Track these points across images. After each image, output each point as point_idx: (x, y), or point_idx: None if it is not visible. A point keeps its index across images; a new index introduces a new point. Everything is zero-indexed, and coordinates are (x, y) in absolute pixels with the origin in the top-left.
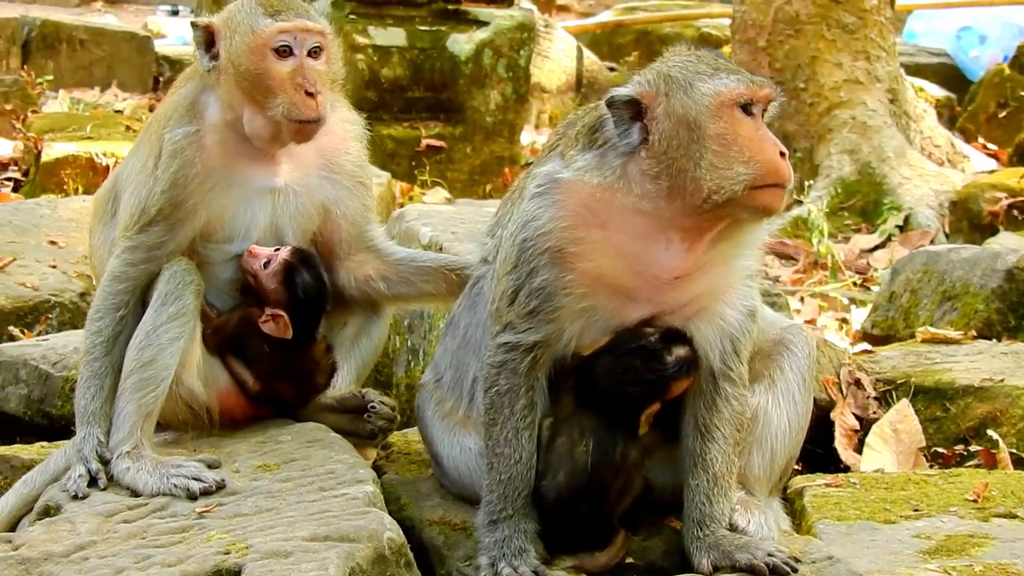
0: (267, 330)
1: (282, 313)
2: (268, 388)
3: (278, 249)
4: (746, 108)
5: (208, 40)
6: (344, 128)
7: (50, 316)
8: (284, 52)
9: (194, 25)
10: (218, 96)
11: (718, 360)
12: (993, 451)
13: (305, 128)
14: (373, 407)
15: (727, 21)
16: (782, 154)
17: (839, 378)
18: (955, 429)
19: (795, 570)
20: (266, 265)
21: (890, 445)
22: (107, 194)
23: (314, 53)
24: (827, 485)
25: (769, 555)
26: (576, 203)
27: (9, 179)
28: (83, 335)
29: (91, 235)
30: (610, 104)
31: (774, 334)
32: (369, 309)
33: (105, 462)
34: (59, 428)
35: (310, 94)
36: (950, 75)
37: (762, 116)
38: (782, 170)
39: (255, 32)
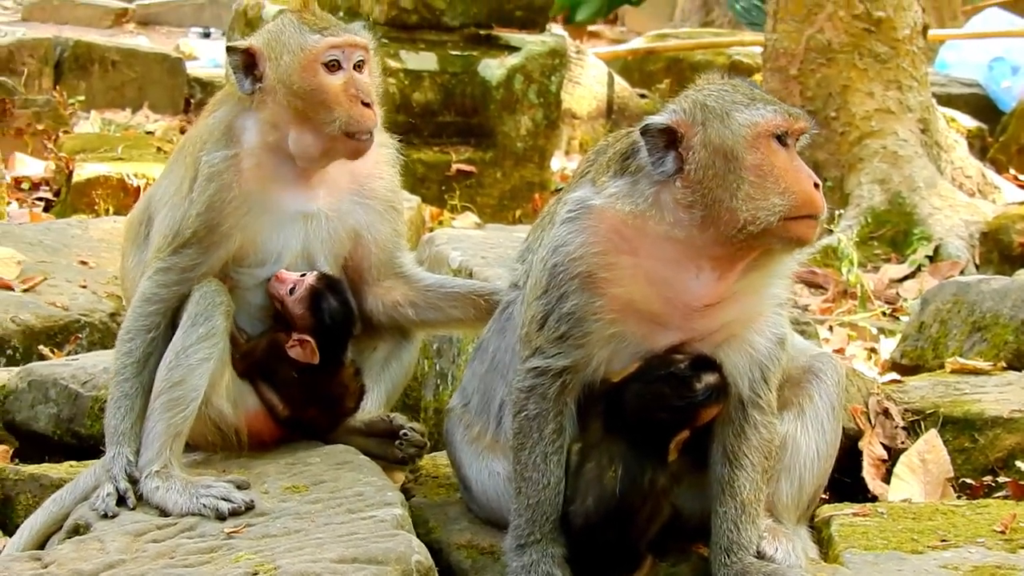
0: (294, 355)
1: (309, 339)
2: (297, 412)
3: (304, 275)
4: (781, 139)
5: (248, 63)
6: (378, 152)
7: (80, 336)
8: (334, 67)
9: (232, 49)
10: (259, 119)
11: (747, 388)
12: (1021, 482)
13: (360, 143)
14: (404, 434)
15: (759, 49)
16: (816, 185)
17: (867, 407)
18: (983, 460)
19: None
20: (292, 291)
21: (918, 475)
22: (140, 216)
23: (359, 67)
24: (855, 514)
25: None
26: (607, 229)
27: (40, 199)
28: (113, 355)
29: (123, 257)
30: (644, 132)
31: (803, 362)
32: (399, 334)
33: (134, 481)
34: (88, 447)
35: (366, 104)
36: (982, 105)
37: (795, 147)
38: (816, 201)
39: (305, 49)
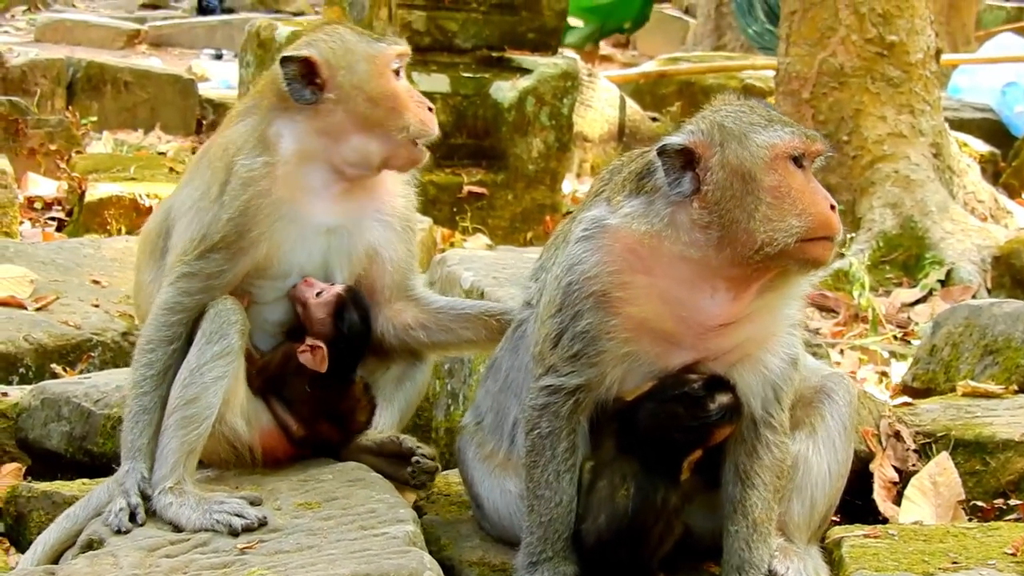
0: (303, 360)
1: (321, 345)
2: (310, 430)
3: (333, 284)
4: (797, 161)
5: (305, 72)
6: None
7: (92, 355)
8: (397, 74)
9: (289, 59)
10: (304, 127)
11: (760, 407)
12: None
13: (419, 153)
14: (417, 461)
15: (771, 73)
16: (832, 207)
17: (879, 430)
18: (994, 483)
19: None
20: (319, 294)
21: (929, 498)
22: (158, 228)
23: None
24: (865, 536)
25: None
26: (622, 248)
27: (53, 219)
28: (132, 366)
29: (138, 272)
30: (661, 152)
31: (815, 381)
32: (411, 356)
33: (146, 498)
34: (100, 465)
35: (430, 109)
36: (994, 130)
37: (811, 169)
38: (832, 223)
39: (378, 56)
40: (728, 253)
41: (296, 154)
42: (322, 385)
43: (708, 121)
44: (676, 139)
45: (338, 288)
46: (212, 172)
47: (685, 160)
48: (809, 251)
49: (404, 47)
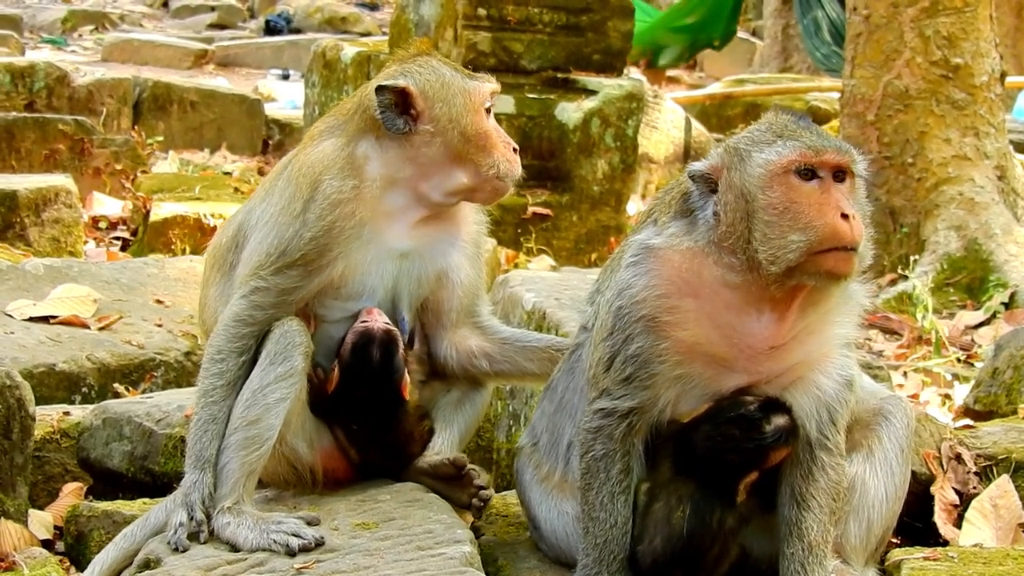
0: (331, 377)
1: (335, 367)
2: (366, 457)
3: (380, 320)
4: (806, 174)
5: (399, 102)
6: None
7: (155, 374)
8: (488, 112)
9: (385, 88)
10: (393, 153)
11: (815, 429)
12: None
13: (503, 187)
14: (480, 487)
15: (837, 95)
16: (844, 216)
17: (940, 452)
18: None
19: None
20: (363, 322)
21: (989, 520)
22: (229, 242)
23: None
24: (925, 558)
25: None
26: (670, 272)
27: (118, 238)
28: (201, 377)
29: (205, 286)
30: (690, 178)
31: (873, 404)
32: (472, 382)
33: (208, 516)
34: (161, 485)
35: (515, 150)
36: None
37: (836, 180)
38: (840, 232)
39: (474, 93)
40: (756, 274)
41: (382, 178)
42: (364, 419)
43: (726, 144)
44: (699, 165)
45: (379, 324)
46: (295, 188)
47: (710, 185)
48: (822, 264)
49: (496, 85)
